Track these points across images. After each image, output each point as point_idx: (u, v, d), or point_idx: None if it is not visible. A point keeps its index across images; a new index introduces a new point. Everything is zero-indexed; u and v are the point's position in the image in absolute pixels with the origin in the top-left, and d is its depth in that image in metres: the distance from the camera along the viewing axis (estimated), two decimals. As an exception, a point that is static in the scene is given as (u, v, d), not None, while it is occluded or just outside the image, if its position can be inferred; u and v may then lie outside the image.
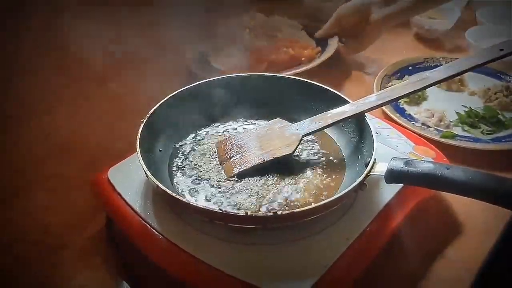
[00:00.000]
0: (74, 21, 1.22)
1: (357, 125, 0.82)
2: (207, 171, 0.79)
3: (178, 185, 0.77)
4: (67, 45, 1.21)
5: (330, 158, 0.83)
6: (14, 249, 0.79)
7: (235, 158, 0.80)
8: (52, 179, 0.91)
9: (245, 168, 0.78)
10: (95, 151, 0.96)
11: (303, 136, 0.80)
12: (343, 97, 0.83)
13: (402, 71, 1.20)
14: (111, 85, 1.14)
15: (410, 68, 1.21)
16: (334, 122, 0.80)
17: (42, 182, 0.91)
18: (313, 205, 0.66)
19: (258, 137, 0.82)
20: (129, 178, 0.77)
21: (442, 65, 1.19)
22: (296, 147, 0.79)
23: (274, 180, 0.77)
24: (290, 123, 0.82)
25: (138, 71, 1.16)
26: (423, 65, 1.22)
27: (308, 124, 0.81)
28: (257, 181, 0.77)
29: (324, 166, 0.81)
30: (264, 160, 0.78)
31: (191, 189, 0.76)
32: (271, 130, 0.82)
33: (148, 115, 0.79)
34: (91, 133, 1.02)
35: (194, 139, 0.87)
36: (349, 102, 0.81)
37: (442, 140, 0.97)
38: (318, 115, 0.81)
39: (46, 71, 1.14)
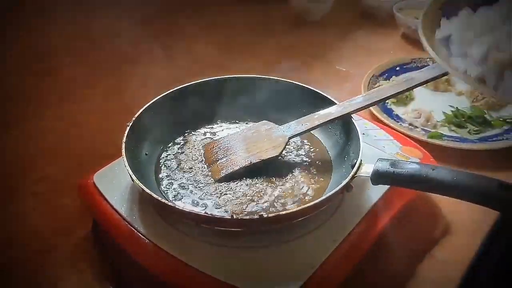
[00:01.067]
0: (62, 24, 1.22)
1: (344, 126, 0.82)
2: (194, 174, 0.79)
3: (164, 189, 0.77)
4: (54, 48, 1.21)
5: (317, 159, 0.83)
6: (0, 253, 0.79)
7: (221, 160, 0.80)
8: (40, 182, 0.91)
9: (231, 170, 0.78)
10: (83, 154, 0.95)
11: (289, 138, 0.80)
12: (329, 98, 0.84)
13: (389, 72, 1.20)
14: (99, 88, 1.14)
15: (397, 68, 1.22)
16: (320, 124, 0.80)
17: (30, 185, 0.90)
18: (300, 207, 0.66)
19: (244, 139, 0.82)
20: (115, 182, 0.77)
21: (429, 65, 1.20)
22: (283, 149, 0.79)
23: (261, 183, 0.77)
24: (276, 125, 0.82)
25: (126, 74, 1.16)
26: (410, 66, 1.23)
27: (294, 126, 0.81)
28: (244, 183, 0.77)
29: (311, 168, 0.81)
30: (251, 163, 0.78)
31: (177, 192, 0.76)
32: (258, 132, 0.82)
33: (133, 118, 0.79)
34: (79, 136, 1.02)
35: (180, 142, 0.86)
36: (336, 103, 0.82)
37: (429, 140, 0.97)
38: (304, 116, 0.81)
39: (34, 74, 1.14)
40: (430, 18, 0.66)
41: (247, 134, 0.83)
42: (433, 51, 0.60)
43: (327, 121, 0.79)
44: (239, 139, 0.83)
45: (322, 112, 0.81)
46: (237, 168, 0.78)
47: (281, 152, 0.79)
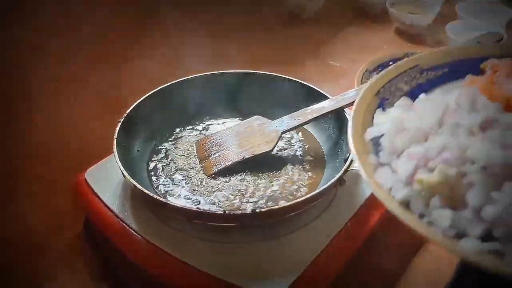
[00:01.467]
0: (54, 20, 1.21)
1: (337, 120, 0.82)
2: (186, 170, 0.79)
3: (156, 185, 0.76)
4: (48, 44, 1.20)
5: (310, 154, 0.82)
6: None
7: (214, 156, 0.80)
8: (33, 180, 0.90)
9: (224, 166, 0.78)
10: (77, 151, 0.95)
11: (282, 133, 0.79)
12: (322, 93, 0.83)
13: (382, 67, 1.19)
14: (90, 85, 1.13)
15: (390, 63, 1.19)
16: (313, 118, 0.79)
17: (23, 183, 0.90)
18: (292, 201, 0.65)
19: (237, 134, 0.82)
20: (107, 179, 0.76)
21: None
22: (276, 144, 0.79)
23: (254, 178, 0.77)
24: (269, 120, 0.82)
25: (120, 70, 1.15)
26: (404, 60, 1.22)
27: (287, 121, 0.80)
28: (237, 178, 0.77)
29: (304, 163, 0.80)
30: (243, 158, 0.78)
31: (169, 188, 0.75)
32: (250, 128, 0.82)
33: (125, 115, 0.78)
34: (72, 133, 1.01)
35: (173, 138, 0.86)
36: (329, 98, 0.81)
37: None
38: (297, 111, 0.81)
39: (26, 71, 1.13)
40: (365, 108, 0.54)
41: (240, 129, 0.83)
42: (357, 157, 0.47)
43: (320, 115, 0.79)
44: (231, 134, 0.82)
45: (315, 106, 0.80)
46: (229, 163, 0.78)
47: (273, 147, 0.78)
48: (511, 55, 0.58)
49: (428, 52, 0.63)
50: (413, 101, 0.54)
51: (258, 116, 0.83)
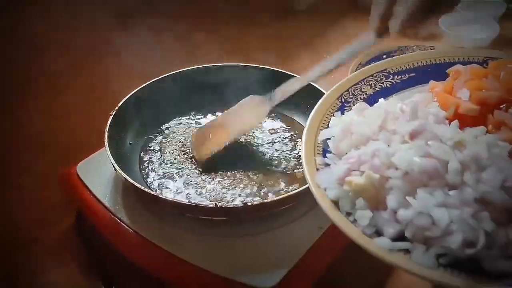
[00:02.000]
0: (45, 14, 1.21)
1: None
2: (178, 163, 0.78)
3: (148, 178, 0.76)
4: (40, 38, 1.19)
5: (303, 147, 0.82)
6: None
7: (206, 144, 0.79)
8: (24, 173, 0.90)
9: (215, 152, 0.77)
10: (68, 145, 0.94)
11: (271, 109, 0.77)
12: (315, 87, 0.82)
13: (376, 60, 1.19)
14: (83, 79, 1.12)
15: (384, 56, 1.20)
16: (303, 87, 0.76)
17: (13, 176, 0.89)
18: (284, 195, 0.65)
19: (229, 117, 0.81)
20: (99, 172, 0.76)
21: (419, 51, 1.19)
22: (264, 116, 0.78)
23: (246, 171, 0.77)
24: (261, 97, 0.78)
25: (110, 65, 1.15)
26: (397, 54, 1.22)
27: (276, 96, 0.77)
28: (228, 172, 0.76)
29: (297, 156, 0.80)
30: (234, 139, 0.77)
31: (161, 182, 0.75)
32: (240, 107, 0.80)
33: (116, 108, 0.78)
34: (64, 127, 1.01)
35: (164, 131, 0.86)
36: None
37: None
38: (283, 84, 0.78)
39: (18, 65, 1.12)
40: (325, 110, 0.57)
41: (230, 111, 0.81)
42: (304, 156, 0.51)
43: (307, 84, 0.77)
44: (224, 119, 0.82)
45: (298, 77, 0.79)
46: (221, 148, 0.77)
47: (262, 118, 0.80)
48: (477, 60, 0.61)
49: (400, 57, 0.65)
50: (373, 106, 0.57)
51: (252, 95, 0.80)
